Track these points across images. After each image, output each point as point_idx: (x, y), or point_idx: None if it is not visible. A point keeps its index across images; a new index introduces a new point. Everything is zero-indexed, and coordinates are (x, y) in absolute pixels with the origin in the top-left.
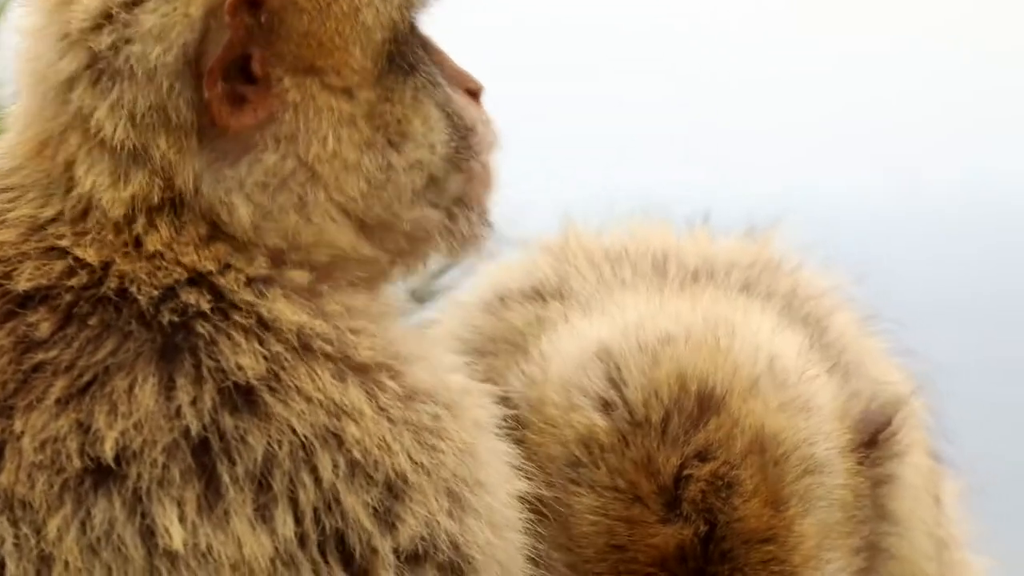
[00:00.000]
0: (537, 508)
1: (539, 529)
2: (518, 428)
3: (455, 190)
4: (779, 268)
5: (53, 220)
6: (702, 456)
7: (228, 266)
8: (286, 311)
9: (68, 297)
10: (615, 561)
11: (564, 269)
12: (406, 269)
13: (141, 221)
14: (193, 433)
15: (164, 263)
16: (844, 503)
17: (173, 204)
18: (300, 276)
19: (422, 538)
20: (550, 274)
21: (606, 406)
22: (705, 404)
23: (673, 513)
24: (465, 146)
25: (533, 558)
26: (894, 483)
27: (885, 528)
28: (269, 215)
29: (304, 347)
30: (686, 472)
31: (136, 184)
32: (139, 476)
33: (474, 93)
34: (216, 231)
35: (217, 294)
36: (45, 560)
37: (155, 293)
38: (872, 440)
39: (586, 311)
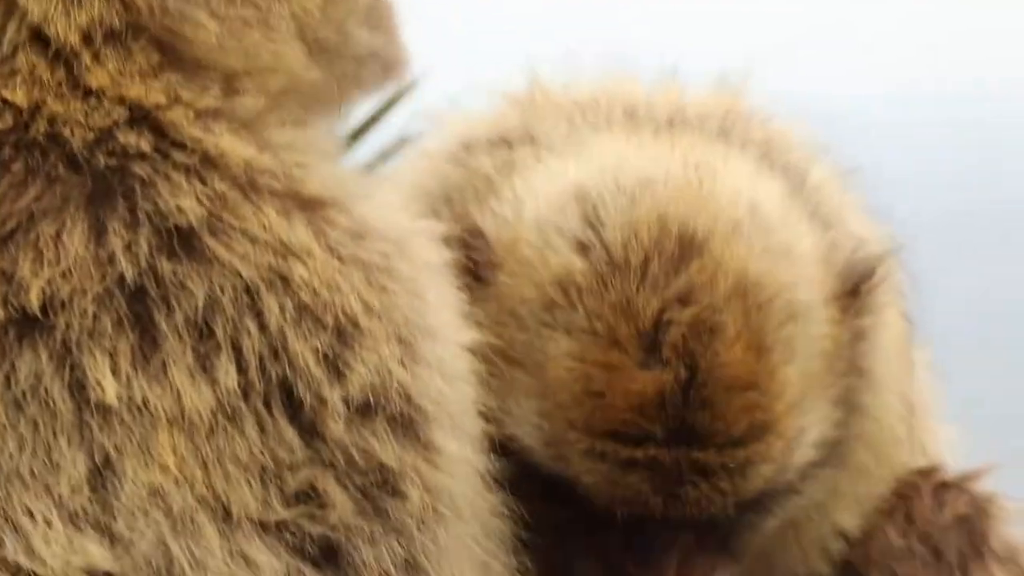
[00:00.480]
0: (506, 355)
1: (497, 380)
2: (489, 268)
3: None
4: (753, 118)
5: None
6: (683, 300)
7: (177, 99)
8: (234, 146)
9: None
10: (591, 408)
11: (532, 117)
12: (348, 99)
13: (87, 53)
14: (128, 280)
15: (103, 102)
16: (825, 353)
17: (128, 29)
18: (251, 104)
19: (373, 387)
20: (517, 123)
21: (583, 248)
22: (687, 247)
23: (653, 358)
24: None
25: (484, 413)
26: (871, 340)
27: (860, 385)
28: (233, 31)
29: (250, 184)
30: (667, 316)
31: (94, 7)
32: (67, 327)
33: None
34: (168, 58)
35: (160, 133)
36: None
37: (90, 136)
38: (854, 290)
39: (560, 154)
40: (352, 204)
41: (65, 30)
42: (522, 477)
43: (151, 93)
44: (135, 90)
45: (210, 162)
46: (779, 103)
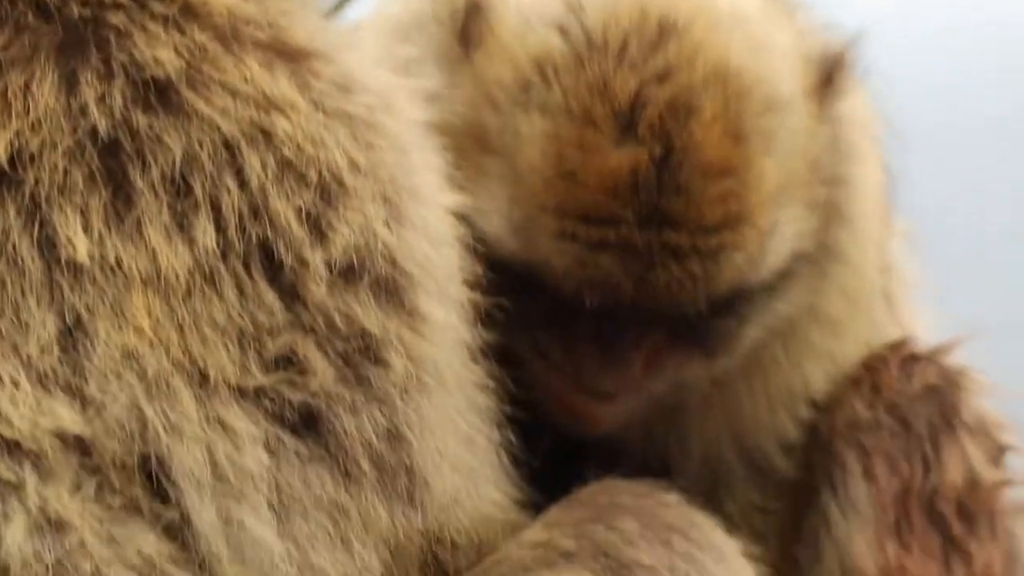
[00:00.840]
0: (480, 141)
1: (470, 169)
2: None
3: None
4: None
5: None
6: (661, 78)
7: None
8: None
9: None
10: (563, 190)
11: None
12: None
13: None
14: (101, 133)
15: None
16: (805, 153)
17: None
18: None
19: (356, 248)
20: None
21: (562, 30)
22: (666, 30)
23: (628, 137)
24: None
25: (468, 280)
26: (848, 185)
27: (836, 227)
28: None
29: (233, 33)
30: (643, 95)
31: None
32: (37, 182)
33: None
34: None
35: None
36: None
37: None
38: (828, 79)
39: None
40: (337, 55)
41: None
42: (492, 275)
43: None
44: None
45: (190, 11)
46: None
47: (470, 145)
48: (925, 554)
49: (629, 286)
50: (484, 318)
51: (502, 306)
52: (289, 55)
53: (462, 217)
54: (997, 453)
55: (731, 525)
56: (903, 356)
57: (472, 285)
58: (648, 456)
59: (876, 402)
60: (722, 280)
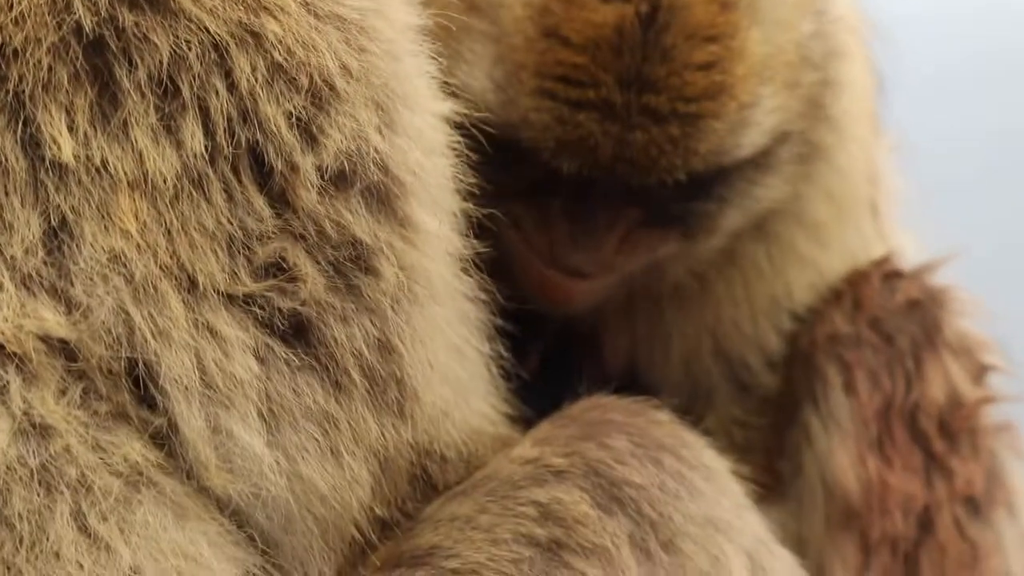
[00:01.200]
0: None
1: (453, 31)
2: None
3: None
4: None
5: None
6: None
7: None
8: None
9: None
10: (545, 48)
11: None
12: None
13: None
14: (86, 30)
15: None
16: (791, 31)
17: None
18: None
19: (348, 155)
20: None
21: None
22: None
23: None
24: None
25: (460, 190)
26: (834, 83)
27: (821, 126)
28: None
29: None
30: None
31: None
32: (20, 79)
33: None
34: None
35: None
36: None
37: None
38: None
39: None
40: None
41: None
42: (470, 146)
43: None
44: None
45: None
46: None
47: (456, 2)
48: (906, 470)
49: (607, 149)
50: (466, 194)
51: (482, 179)
52: None
53: (447, 87)
54: (979, 372)
55: (714, 440)
56: (886, 271)
57: (464, 195)
58: (635, 366)
59: (857, 316)
60: (700, 149)
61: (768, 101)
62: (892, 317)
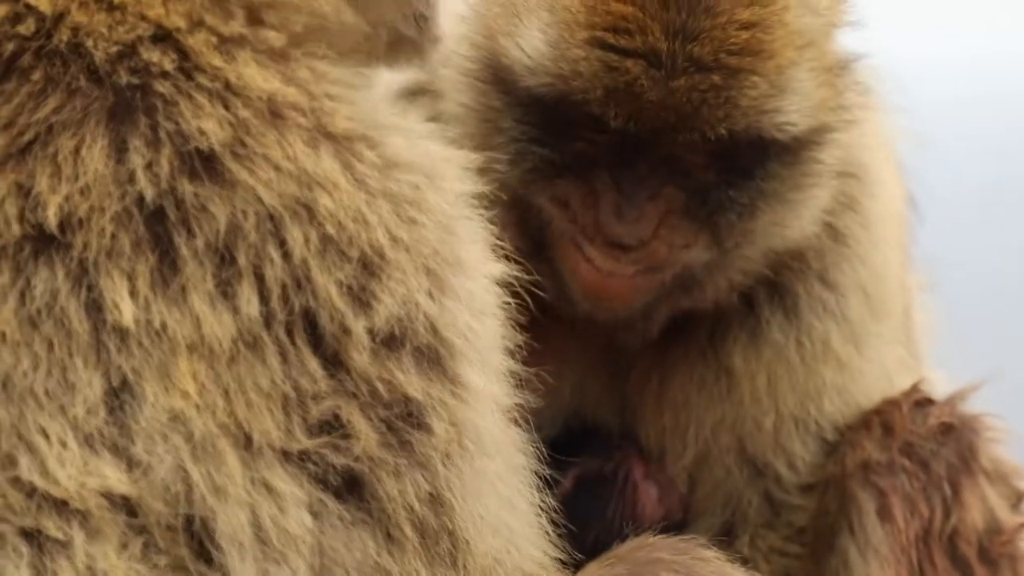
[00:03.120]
0: None
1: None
2: None
3: None
4: None
5: None
6: None
7: (200, 23)
8: (256, 77)
9: (11, 47)
10: (595, 2)
11: None
12: (386, 50)
13: None
14: (147, 201)
15: (127, 16)
16: (826, 30)
17: None
18: (275, 38)
19: (399, 319)
20: None
21: None
22: None
23: None
24: None
25: (510, 349)
26: (864, 183)
27: (850, 218)
28: None
29: (274, 114)
30: None
31: None
32: (85, 246)
33: None
34: None
35: (182, 54)
36: None
37: (113, 49)
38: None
39: None
40: (383, 136)
41: None
42: (519, 118)
43: (172, 15)
44: (155, 11)
45: (232, 90)
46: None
47: None
48: None
49: (653, 96)
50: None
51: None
52: (332, 137)
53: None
54: (1016, 498)
55: (755, 570)
56: (916, 399)
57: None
58: (648, 447)
59: (889, 442)
60: (742, 102)
61: (805, 76)
62: (925, 442)
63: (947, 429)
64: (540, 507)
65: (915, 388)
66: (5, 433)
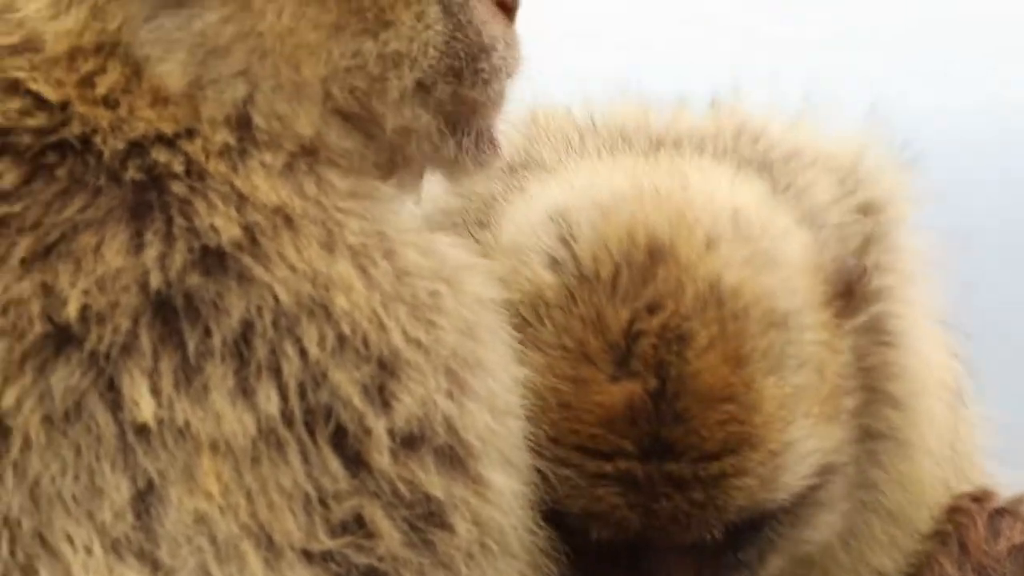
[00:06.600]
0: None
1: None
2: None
3: (451, 109)
4: (743, 130)
5: (11, 49)
6: (652, 309)
7: (191, 131)
8: (263, 187)
9: (29, 141)
10: (560, 420)
11: (533, 140)
12: (402, 179)
13: (88, 62)
14: (164, 296)
15: (123, 114)
16: (820, 364)
17: (115, 49)
18: (272, 156)
19: (418, 419)
20: (519, 146)
21: (555, 263)
22: (655, 255)
23: (623, 371)
24: (474, 69)
25: (534, 448)
26: (887, 358)
27: (879, 408)
28: (208, 82)
29: (287, 221)
30: (636, 327)
31: (73, 18)
32: (99, 339)
33: (506, 7)
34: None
35: (187, 158)
36: (3, 433)
37: (120, 147)
38: (848, 290)
39: (548, 179)
40: (397, 247)
41: (53, 35)
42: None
43: (160, 120)
44: (144, 112)
45: (241, 196)
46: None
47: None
48: None
49: (635, 519)
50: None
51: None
52: (347, 246)
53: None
54: None
55: None
56: (988, 512)
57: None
58: None
59: (964, 562)
60: (732, 506)
61: (803, 443)
62: (997, 563)
63: (1018, 549)
64: None
65: (986, 496)
66: (26, 541)
